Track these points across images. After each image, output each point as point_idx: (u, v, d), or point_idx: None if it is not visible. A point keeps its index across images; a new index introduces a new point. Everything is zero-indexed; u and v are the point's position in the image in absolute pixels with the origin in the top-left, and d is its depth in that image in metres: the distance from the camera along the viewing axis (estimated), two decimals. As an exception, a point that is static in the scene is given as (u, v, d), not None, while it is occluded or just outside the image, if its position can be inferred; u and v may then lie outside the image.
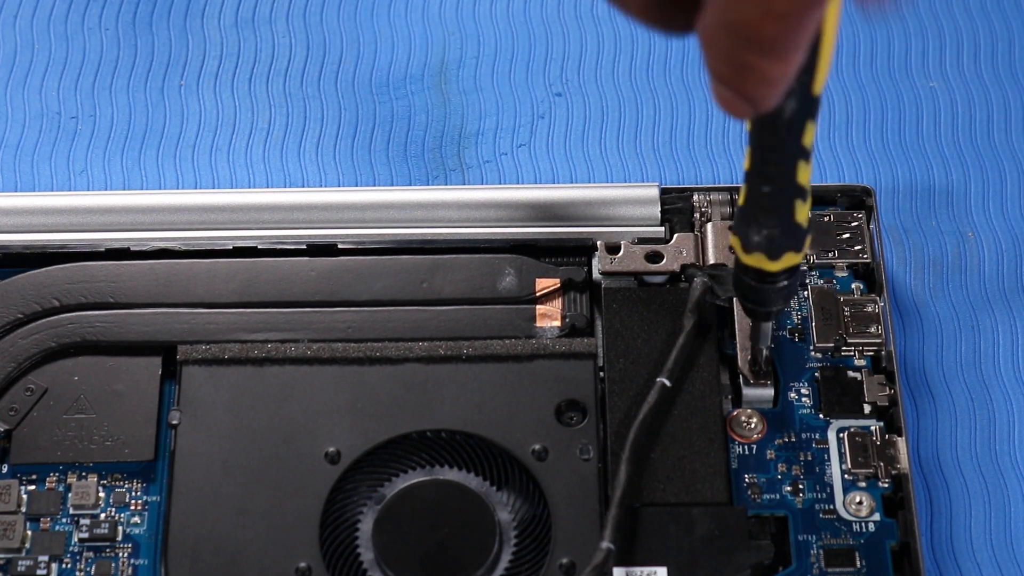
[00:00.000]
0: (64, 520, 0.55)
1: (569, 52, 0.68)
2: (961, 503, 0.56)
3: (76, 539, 0.54)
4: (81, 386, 0.57)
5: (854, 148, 0.64)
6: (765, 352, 0.55)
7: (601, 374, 0.56)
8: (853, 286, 0.58)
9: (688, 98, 0.66)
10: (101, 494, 0.55)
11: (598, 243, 0.58)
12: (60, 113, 0.66)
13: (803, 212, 0.48)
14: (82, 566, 0.54)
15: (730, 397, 0.56)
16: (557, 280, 0.58)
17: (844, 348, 0.57)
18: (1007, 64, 0.66)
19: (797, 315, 0.58)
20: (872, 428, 0.55)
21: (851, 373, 0.56)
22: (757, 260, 0.49)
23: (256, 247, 0.59)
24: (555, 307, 0.58)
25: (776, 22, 0.37)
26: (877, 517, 0.54)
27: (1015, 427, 0.58)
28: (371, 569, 0.53)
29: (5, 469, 0.56)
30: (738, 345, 0.56)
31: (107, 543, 0.54)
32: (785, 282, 0.50)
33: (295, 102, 0.66)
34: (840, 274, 0.58)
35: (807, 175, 0.47)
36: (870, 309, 0.57)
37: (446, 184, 0.64)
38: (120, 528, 0.54)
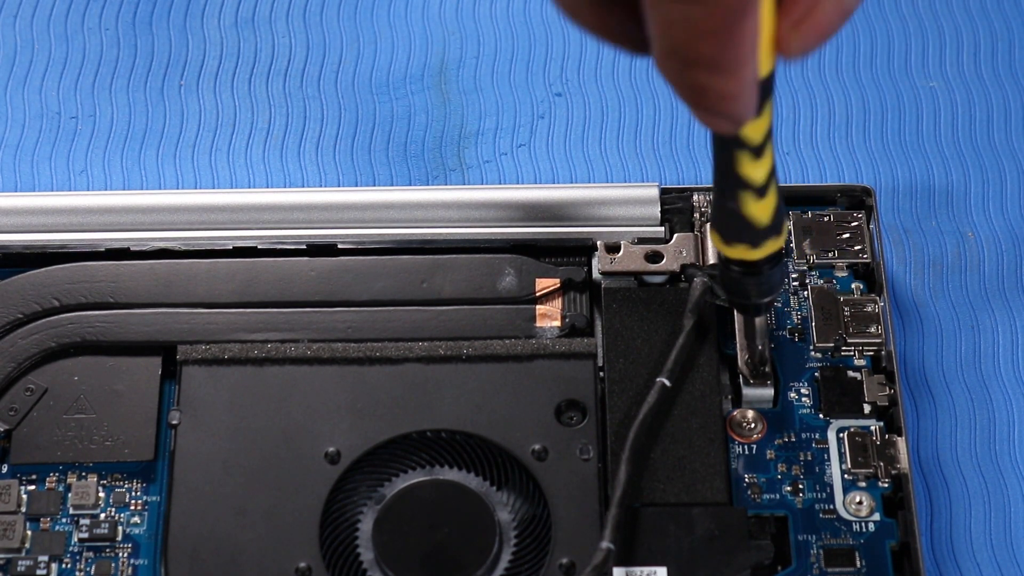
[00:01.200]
0: (64, 520, 0.55)
1: (569, 52, 0.68)
2: (961, 503, 0.56)
3: (76, 539, 0.54)
4: (81, 386, 0.57)
5: (854, 148, 0.64)
6: (764, 351, 0.55)
7: (601, 374, 0.56)
8: (853, 286, 0.58)
9: (688, 98, 0.66)
10: (101, 494, 0.55)
11: (598, 243, 0.58)
12: (60, 113, 0.66)
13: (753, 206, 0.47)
14: (82, 566, 0.54)
15: (730, 397, 0.56)
16: (557, 280, 0.58)
17: (844, 348, 0.56)
18: (1007, 64, 0.66)
19: (797, 315, 0.58)
20: (872, 428, 0.55)
21: (851, 373, 0.56)
22: (739, 251, 0.49)
23: (256, 247, 0.59)
24: (555, 307, 0.58)
25: (707, 40, 0.38)
26: (877, 517, 0.54)
27: (1015, 427, 0.58)
28: (371, 569, 0.53)
29: (5, 469, 0.56)
30: (738, 345, 0.56)
31: (107, 543, 0.54)
32: (769, 270, 0.50)
33: (295, 102, 0.66)
34: (840, 274, 0.58)
35: (754, 170, 0.46)
36: (870, 309, 0.57)
37: (446, 184, 0.64)
38: (120, 528, 0.54)
